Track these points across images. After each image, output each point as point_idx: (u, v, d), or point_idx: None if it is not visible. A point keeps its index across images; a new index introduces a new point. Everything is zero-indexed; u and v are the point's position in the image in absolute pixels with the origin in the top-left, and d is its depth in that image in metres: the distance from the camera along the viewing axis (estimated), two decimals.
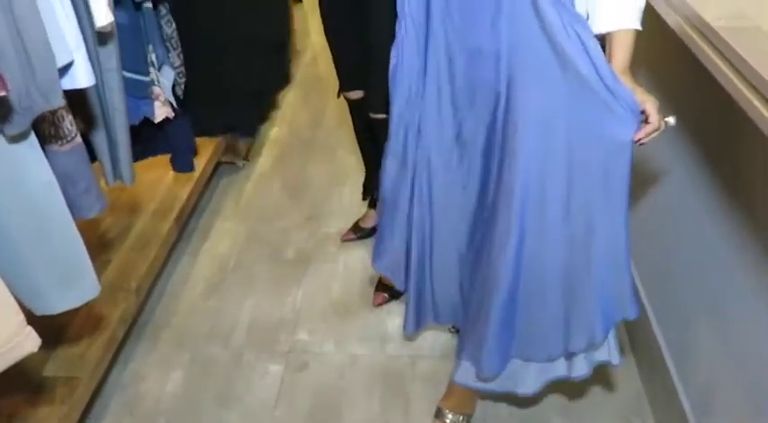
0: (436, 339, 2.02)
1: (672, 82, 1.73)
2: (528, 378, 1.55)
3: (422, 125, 1.41)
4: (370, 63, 1.86)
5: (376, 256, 1.67)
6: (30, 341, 1.04)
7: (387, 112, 1.49)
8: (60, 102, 1.18)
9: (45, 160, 1.22)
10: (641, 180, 1.86)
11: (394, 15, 1.36)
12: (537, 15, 1.19)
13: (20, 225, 1.20)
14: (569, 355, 1.52)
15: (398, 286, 1.68)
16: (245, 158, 3.00)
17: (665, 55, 1.74)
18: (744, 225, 1.33)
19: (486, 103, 1.34)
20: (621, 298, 1.41)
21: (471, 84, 1.34)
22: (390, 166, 1.50)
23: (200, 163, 2.59)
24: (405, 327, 1.68)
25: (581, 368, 1.53)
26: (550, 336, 1.46)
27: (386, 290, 2.18)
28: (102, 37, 1.44)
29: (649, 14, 1.28)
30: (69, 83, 1.24)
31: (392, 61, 1.39)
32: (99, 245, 2.11)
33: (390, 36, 1.38)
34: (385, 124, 1.54)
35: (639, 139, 1.23)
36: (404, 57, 1.36)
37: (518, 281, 1.39)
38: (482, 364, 1.49)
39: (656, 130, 1.23)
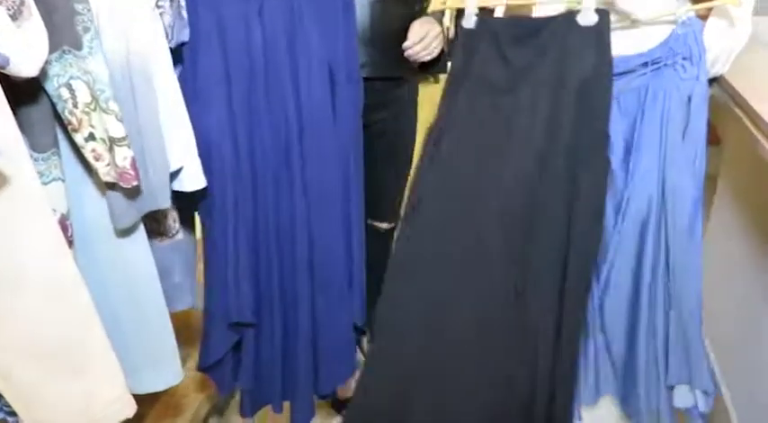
0: None
1: None
2: None
3: None
4: None
5: None
6: (128, 408, 1.16)
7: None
8: (167, 203, 1.33)
9: (150, 254, 1.35)
10: None
11: None
12: None
13: (126, 309, 1.33)
14: None
15: None
16: None
17: None
18: None
19: None
20: None
21: None
22: None
23: None
24: None
25: None
26: None
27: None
28: None
29: None
30: (177, 185, 1.37)
31: None
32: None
33: None
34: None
35: None
36: None
37: None
38: None
39: None
